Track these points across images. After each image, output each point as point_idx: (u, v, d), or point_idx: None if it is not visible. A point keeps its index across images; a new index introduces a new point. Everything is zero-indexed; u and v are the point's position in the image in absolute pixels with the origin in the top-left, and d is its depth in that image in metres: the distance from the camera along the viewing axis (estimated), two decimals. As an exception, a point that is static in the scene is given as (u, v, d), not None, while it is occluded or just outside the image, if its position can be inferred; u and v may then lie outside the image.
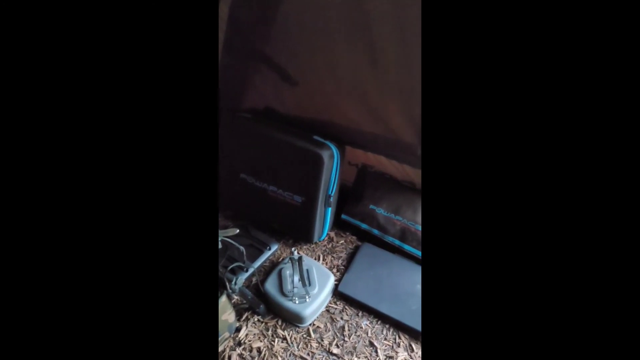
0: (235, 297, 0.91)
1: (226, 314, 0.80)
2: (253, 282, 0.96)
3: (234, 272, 0.90)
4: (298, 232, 1.08)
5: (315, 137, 0.96)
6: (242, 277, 0.84)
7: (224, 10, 0.79)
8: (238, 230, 0.64)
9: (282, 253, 1.08)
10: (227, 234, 0.66)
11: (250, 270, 0.96)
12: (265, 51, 0.90)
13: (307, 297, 0.88)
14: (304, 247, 1.10)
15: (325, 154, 0.93)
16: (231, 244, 0.74)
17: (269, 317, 0.91)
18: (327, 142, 0.95)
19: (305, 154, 0.94)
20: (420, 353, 0.84)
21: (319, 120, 1.01)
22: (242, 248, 0.72)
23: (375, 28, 0.69)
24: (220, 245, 0.67)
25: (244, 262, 0.86)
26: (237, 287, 0.78)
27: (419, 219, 1.02)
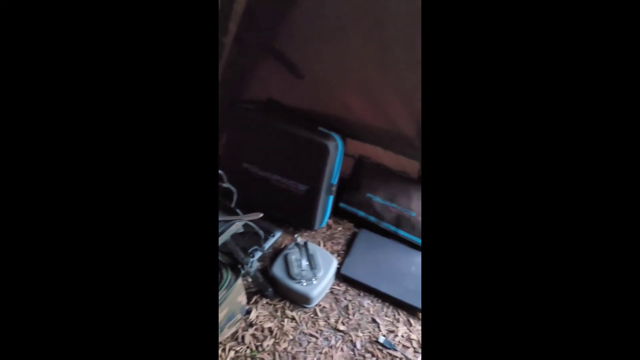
0: (245, 281, 0.94)
1: (240, 296, 0.83)
2: (258, 267, 0.99)
3: (249, 256, 0.93)
4: (300, 219, 1.12)
5: (320, 129, 1.01)
6: (256, 262, 0.88)
7: (240, 4, 0.81)
8: (262, 215, 0.68)
9: (283, 240, 1.12)
10: (251, 217, 0.69)
11: (258, 255, 0.99)
12: (275, 44, 0.93)
13: (313, 279, 0.93)
14: (304, 234, 1.15)
15: (330, 145, 0.98)
16: (252, 227, 0.77)
17: (277, 299, 0.95)
18: (332, 133, 1.00)
19: (311, 144, 0.99)
20: (418, 327, 0.92)
21: (322, 113, 1.05)
22: (261, 232, 0.76)
23: (389, 25, 0.74)
24: (242, 230, 0.70)
25: (261, 246, 0.90)
26: (252, 271, 0.82)
27: (414, 206, 1.10)
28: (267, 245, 1.06)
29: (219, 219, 0.67)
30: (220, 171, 0.68)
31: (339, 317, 0.93)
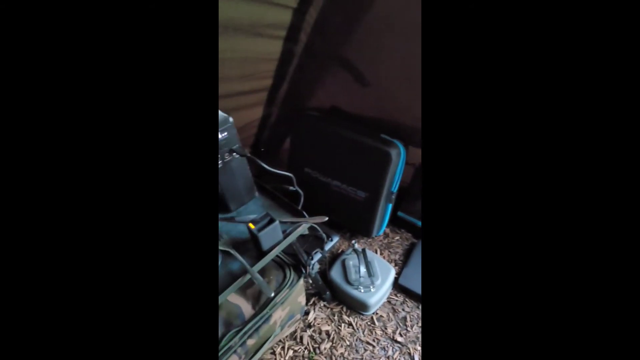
0: (305, 282, 0.97)
1: (301, 297, 0.86)
2: (318, 270, 1.02)
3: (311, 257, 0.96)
4: (358, 225, 1.13)
5: (383, 136, 1.01)
6: (317, 264, 0.90)
7: (312, 16, 0.85)
8: (327, 218, 0.70)
9: (340, 245, 1.13)
10: (316, 220, 0.72)
11: (318, 257, 1.01)
12: (344, 54, 0.95)
13: (371, 287, 0.93)
14: (361, 240, 1.15)
15: (393, 152, 0.97)
16: (315, 230, 0.80)
17: (334, 303, 0.96)
18: (395, 141, 1.00)
19: (373, 152, 0.99)
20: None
21: (385, 120, 1.05)
22: (324, 236, 0.78)
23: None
24: (306, 232, 0.73)
25: (322, 249, 0.92)
26: (313, 273, 0.84)
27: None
28: (327, 248, 1.08)
29: (286, 220, 0.71)
30: (290, 174, 0.71)
31: (397, 327, 0.91)
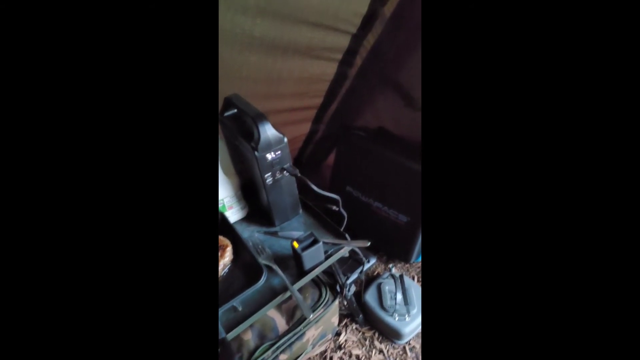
0: (339, 303, 0.97)
1: (334, 317, 0.86)
2: (352, 292, 1.01)
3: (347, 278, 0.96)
4: (396, 249, 1.11)
5: (430, 162, 0.99)
6: (352, 285, 0.90)
7: (370, 42, 0.86)
8: (369, 243, 0.70)
9: (376, 268, 1.12)
10: (358, 244, 0.72)
11: (353, 278, 1.01)
12: (397, 78, 0.96)
13: (407, 315, 0.90)
14: (398, 265, 1.13)
15: (440, 180, 0.95)
16: (354, 252, 0.80)
17: (366, 327, 0.95)
18: (442, 168, 0.98)
19: (417, 176, 0.97)
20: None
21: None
22: (364, 259, 0.78)
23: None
24: (346, 254, 0.73)
25: (361, 272, 0.92)
26: (349, 294, 0.84)
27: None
28: (363, 270, 1.07)
29: (329, 240, 0.71)
30: (337, 196, 0.72)
31: (430, 362, 0.88)
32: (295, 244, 0.63)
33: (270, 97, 0.97)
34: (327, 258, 0.68)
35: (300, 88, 0.97)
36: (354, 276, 1.02)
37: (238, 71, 0.89)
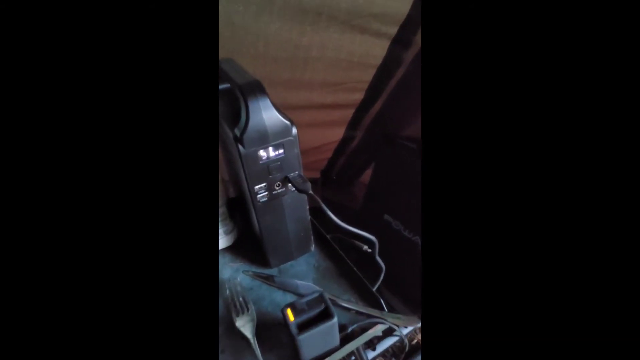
0: None
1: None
2: None
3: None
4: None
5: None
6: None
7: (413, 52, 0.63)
8: (420, 324, 0.41)
9: (415, 335, 0.81)
10: (403, 323, 0.44)
11: (381, 349, 0.71)
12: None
13: None
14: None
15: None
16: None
17: None
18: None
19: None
20: None
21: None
22: (406, 342, 0.48)
23: None
24: (379, 333, 0.45)
25: (396, 342, 0.62)
26: None
27: None
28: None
29: (351, 307, 0.43)
30: (373, 238, 0.44)
31: None
32: (290, 315, 0.35)
33: (294, 85, 0.75)
34: (345, 342, 0.39)
35: (335, 75, 0.73)
36: (385, 345, 0.72)
37: (252, 45, 0.68)
